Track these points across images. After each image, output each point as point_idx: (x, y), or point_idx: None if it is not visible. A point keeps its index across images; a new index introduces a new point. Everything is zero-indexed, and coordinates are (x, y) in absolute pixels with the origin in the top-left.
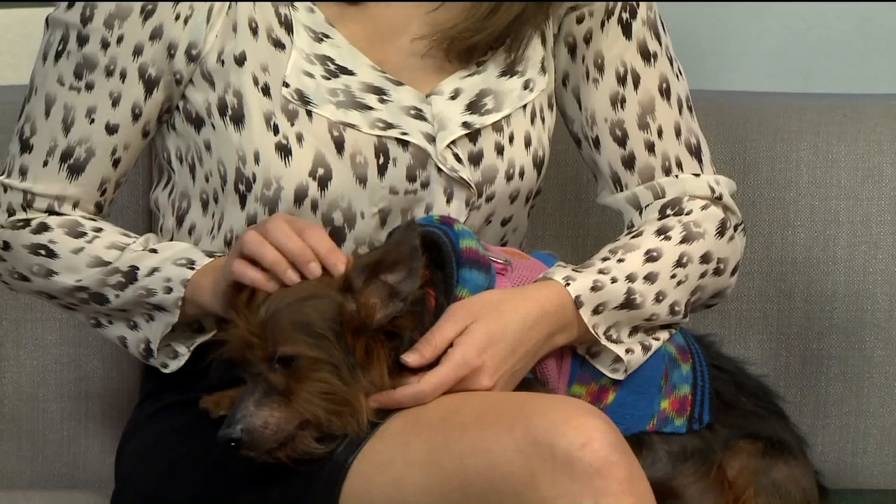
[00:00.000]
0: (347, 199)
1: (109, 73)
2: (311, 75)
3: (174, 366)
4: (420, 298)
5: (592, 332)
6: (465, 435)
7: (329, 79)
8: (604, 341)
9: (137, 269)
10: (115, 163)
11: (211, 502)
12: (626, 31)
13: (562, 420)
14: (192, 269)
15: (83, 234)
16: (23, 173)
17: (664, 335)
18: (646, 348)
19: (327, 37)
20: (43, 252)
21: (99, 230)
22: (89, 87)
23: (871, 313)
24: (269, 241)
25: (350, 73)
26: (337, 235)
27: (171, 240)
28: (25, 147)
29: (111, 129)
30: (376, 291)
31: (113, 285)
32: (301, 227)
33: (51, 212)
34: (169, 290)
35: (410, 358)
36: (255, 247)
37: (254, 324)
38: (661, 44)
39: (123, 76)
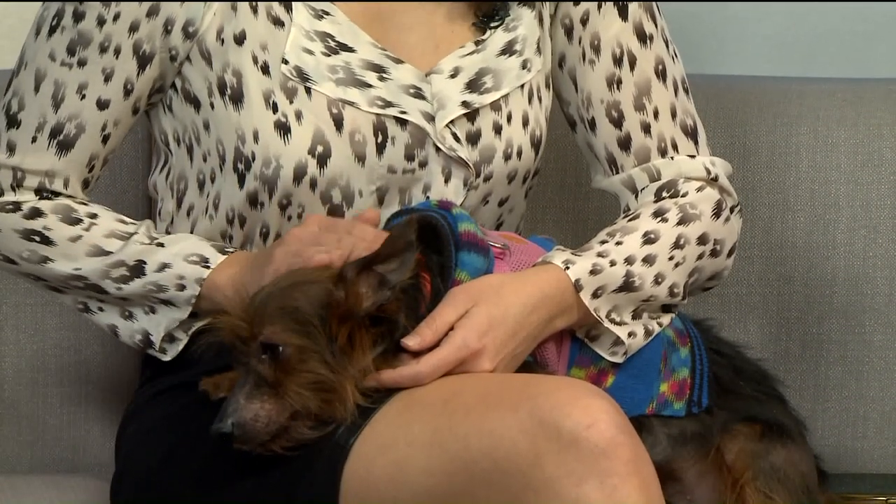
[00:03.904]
0: (346, 178)
1: (104, 50)
2: (310, 52)
3: (172, 352)
4: (412, 285)
5: (594, 315)
6: (468, 416)
7: (329, 55)
8: (607, 324)
9: (145, 263)
10: (105, 139)
11: (211, 485)
12: (623, 12)
13: (567, 400)
14: (207, 266)
15: (79, 221)
16: (10, 149)
17: (666, 319)
18: (648, 332)
19: (327, 14)
20: (37, 238)
21: (94, 216)
22: (82, 63)
23: (871, 297)
24: (327, 246)
25: (350, 49)
26: (335, 214)
27: (172, 223)
28: (13, 122)
29: (102, 105)
30: (367, 281)
31: (115, 278)
32: (345, 228)
33: (41, 192)
34: (182, 288)
35: (411, 341)
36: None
37: (243, 310)
38: (656, 26)
39: (118, 52)
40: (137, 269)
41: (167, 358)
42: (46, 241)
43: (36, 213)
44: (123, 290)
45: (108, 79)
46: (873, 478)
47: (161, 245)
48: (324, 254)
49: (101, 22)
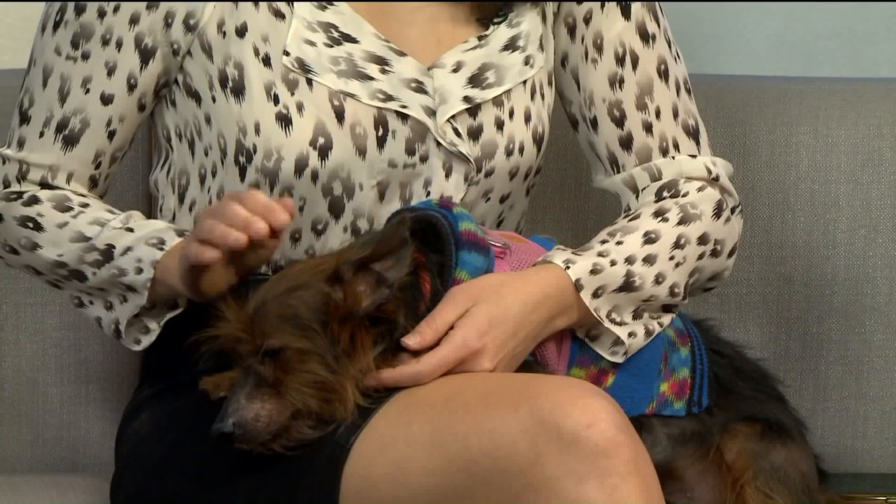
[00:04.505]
0: (347, 170)
1: (105, 43)
2: (312, 43)
3: (146, 341)
4: (410, 284)
5: (595, 315)
6: (469, 415)
7: (332, 46)
8: (607, 324)
9: (114, 248)
10: (110, 135)
11: (211, 485)
12: (626, 12)
13: (567, 400)
14: (163, 249)
15: (69, 209)
16: (20, 144)
17: (666, 319)
18: (649, 332)
19: (332, 4)
20: (30, 225)
21: (85, 205)
22: (85, 56)
23: (871, 297)
24: (216, 218)
25: (354, 41)
26: (336, 206)
27: (174, 219)
28: (24, 118)
29: (106, 100)
30: (364, 279)
31: (90, 263)
32: (242, 197)
33: (44, 184)
34: (140, 271)
35: (411, 340)
36: (206, 228)
37: (241, 318)
38: (659, 26)
39: (119, 45)
40: (107, 253)
41: (139, 349)
42: (38, 227)
43: (33, 201)
44: (98, 275)
45: (111, 73)
46: (873, 478)
47: (130, 230)
48: (209, 235)
49: (101, 14)
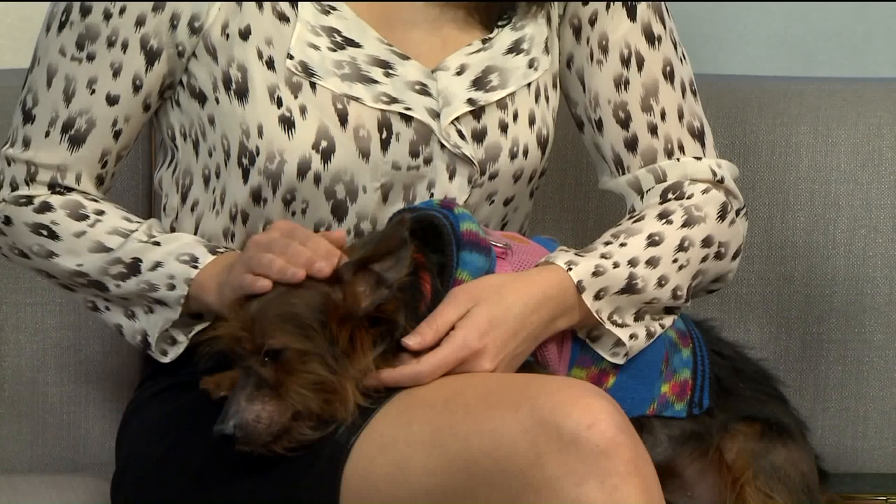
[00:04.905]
0: (350, 173)
1: (111, 44)
2: (316, 47)
3: (173, 353)
4: (410, 284)
5: (597, 317)
6: (469, 415)
7: (335, 51)
8: (608, 326)
9: (140, 261)
10: (116, 135)
11: (212, 485)
12: (632, 13)
13: (568, 400)
14: (196, 266)
15: (85, 217)
16: (26, 144)
17: (668, 321)
18: (650, 334)
19: (334, 9)
20: (44, 232)
21: (101, 213)
22: (90, 57)
23: (871, 297)
24: (274, 252)
25: (357, 45)
26: (339, 209)
27: (176, 218)
28: (28, 118)
29: (112, 101)
30: (364, 280)
31: (114, 275)
32: (302, 237)
33: (53, 186)
34: (172, 287)
35: (412, 340)
36: (265, 262)
37: (243, 318)
38: (665, 27)
39: (125, 47)
40: (133, 266)
41: (167, 360)
42: (53, 235)
43: (45, 208)
44: (122, 287)
45: (116, 74)
46: (873, 478)
47: (157, 243)
48: (266, 269)
49: (107, 16)
